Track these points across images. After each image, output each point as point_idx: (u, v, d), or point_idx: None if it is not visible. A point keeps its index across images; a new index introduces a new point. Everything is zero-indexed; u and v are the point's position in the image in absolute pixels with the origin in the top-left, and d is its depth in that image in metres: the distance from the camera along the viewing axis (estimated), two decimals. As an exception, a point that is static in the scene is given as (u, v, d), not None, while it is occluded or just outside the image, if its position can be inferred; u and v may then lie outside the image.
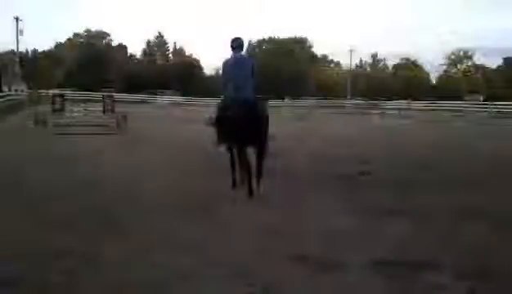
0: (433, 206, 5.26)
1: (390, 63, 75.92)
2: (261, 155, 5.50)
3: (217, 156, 6.66)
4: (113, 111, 15.48)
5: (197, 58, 71.46)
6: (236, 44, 5.81)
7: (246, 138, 5.36)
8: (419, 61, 72.79)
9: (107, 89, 19.12)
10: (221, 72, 6.16)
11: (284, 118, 26.42)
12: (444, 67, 71.24)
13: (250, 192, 5.32)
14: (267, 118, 5.53)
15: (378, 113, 32.45)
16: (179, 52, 71.89)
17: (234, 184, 5.77)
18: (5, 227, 4.16)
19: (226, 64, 5.84)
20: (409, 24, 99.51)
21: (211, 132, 6.03)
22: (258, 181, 5.41)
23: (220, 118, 5.70)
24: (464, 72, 68.33)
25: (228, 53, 5.88)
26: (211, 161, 7.40)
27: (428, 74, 74.24)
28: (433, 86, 70.53)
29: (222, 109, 5.75)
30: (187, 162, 8.21)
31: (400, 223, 4.53)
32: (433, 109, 40.33)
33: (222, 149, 5.94)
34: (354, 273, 3.29)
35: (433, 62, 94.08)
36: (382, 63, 76.73)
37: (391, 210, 5.00)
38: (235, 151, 5.65)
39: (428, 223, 4.60)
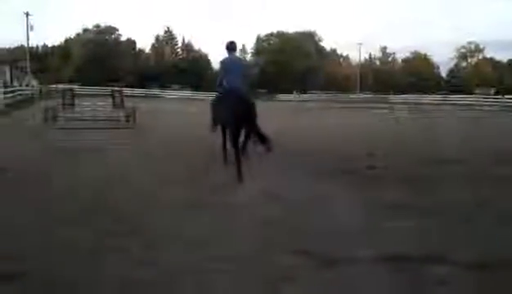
0: (442, 200, 5.23)
1: (400, 57, 75.27)
2: (249, 136, 6.73)
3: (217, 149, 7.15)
4: (122, 106, 15.57)
5: (205, 53, 71.52)
6: (231, 47, 7.08)
7: (236, 120, 6.34)
8: (429, 55, 72.11)
9: (116, 84, 19.22)
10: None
11: (291, 111, 26.44)
12: (454, 61, 70.50)
13: (239, 175, 5.99)
14: (253, 105, 6.56)
15: (386, 108, 32.25)
16: (187, 47, 71.99)
17: (225, 161, 6.86)
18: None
19: (223, 63, 7.07)
20: (419, 17, 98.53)
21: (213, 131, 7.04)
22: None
23: (215, 105, 6.88)
24: (475, 65, 67.57)
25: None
26: (212, 155, 7.54)
27: (438, 68, 73.58)
28: (444, 81, 69.88)
29: (218, 98, 6.94)
30: (191, 155, 8.34)
31: (408, 217, 4.52)
32: (443, 103, 39.95)
33: (216, 129, 6.95)
34: (360, 268, 3.30)
35: (443, 56, 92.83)
36: (391, 57, 76.06)
37: (399, 204, 4.99)
38: (227, 132, 6.69)
39: (437, 218, 4.58)
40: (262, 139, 6.99)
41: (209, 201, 4.99)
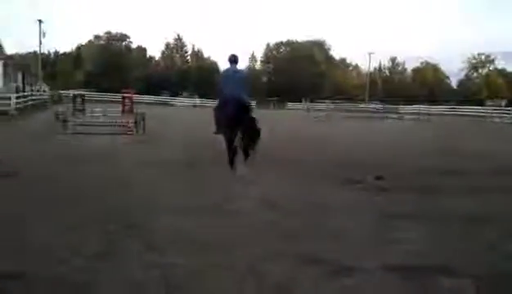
0: (450, 211, 5.18)
1: (409, 66, 75.04)
2: (248, 141, 7.30)
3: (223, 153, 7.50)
4: (132, 111, 15.69)
5: (215, 60, 71.94)
6: (233, 59, 7.69)
7: (235, 125, 7.16)
8: (440, 65, 71.82)
9: (126, 90, 19.40)
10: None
11: (299, 120, 26.48)
12: (465, 71, 70.11)
13: (231, 165, 7.15)
14: (251, 110, 7.63)
15: (396, 118, 32.12)
16: (197, 55, 72.54)
17: (231, 162, 7.31)
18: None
19: (225, 73, 7.98)
20: (429, 28, 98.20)
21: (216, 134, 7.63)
22: (246, 159, 7.36)
23: (217, 111, 7.59)
24: (486, 76, 67.10)
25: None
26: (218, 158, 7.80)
27: (448, 78, 73.21)
28: (454, 91, 69.46)
29: (220, 105, 7.64)
30: (198, 159, 8.62)
31: (415, 228, 4.47)
32: (454, 114, 39.66)
33: (219, 132, 7.54)
34: (366, 278, 3.27)
35: (453, 66, 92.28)
36: (401, 66, 75.85)
37: (407, 214, 4.94)
38: (227, 135, 7.32)
39: (445, 228, 4.53)
40: (249, 145, 7.43)
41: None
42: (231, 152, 7.29)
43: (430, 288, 3.14)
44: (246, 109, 7.46)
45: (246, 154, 7.40)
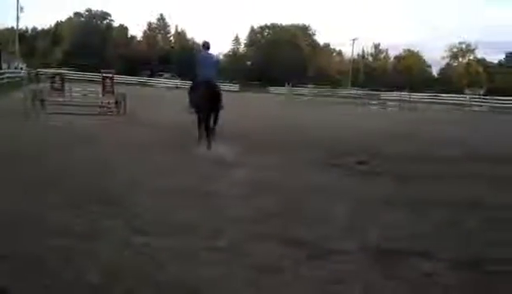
0: (430, 197, 5.27)
1: (392, 54, 75.53)
2: (216, 119, 8.16)
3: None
4: (112, 92, 15.38)
5: (198, 42, 70.87)
6: (206, 45, 8.63)
7: (206, 104, 8.00)
8: (422, 53, 72.47)
9: (106, 70, 18.98)
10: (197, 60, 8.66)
11: (281, 104, 26.49)
12: (446, 60, 70.97)
13: (209, 146, 7.77)
14: (220, 93, 8.31)
15: (377, 104, 32.43)
16: (180, 36, 71.39)
17: (200, 137, 8.10)
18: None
19: (199, 57, 8.70)
20: (413, 15, 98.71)
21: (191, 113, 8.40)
22: (213, 137, 8.02)
23: (191, 92, 8.51)
24: (466, 65, 68.12)
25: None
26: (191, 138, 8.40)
27: (429, 67, 74.04)
28: (435, 79, 70.36)
29: (194, 86, 8.60)
30: (174, 139, 8.93)
31: (395, 213, 4.55)
32: (433, 102, 40.20)
33: (192, 111, 8.34)
34: (347, 260, 3.32)
35: (435, 55, 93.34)
36: (384, 53, 76.29)
37: (387, 200, 5.02)
38: (200, 114, 8.15)
39: (425, 213, 4.62)
40: (214, 123, 8.23)
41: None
42: (202, 130, 8.09)
43: (407, 271, 3.22)
44: (218, 91, 8.27)
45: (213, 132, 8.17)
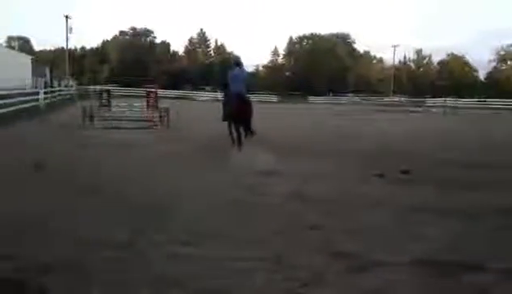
0: (477, 205, 5.06)
1: (436, 59, 73.25)
2: (247, 127, 9.22)
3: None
4: (156, 106, 15.88)
5: (237, 55, 71.88)
6: (237, 62, 9.97)
7: (238, 116, 9.15)
8: (467, 57, 69.80)
9: (150, 85, 19.73)
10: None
11: (321, 114, 26.29)
12: (493, 63, 67.99)
13: (239, 146, 8.96)
14: (251, 105, 9.47)
15: (421, 111, 31.48)
16: (220, 49, 72.70)
17: (233, 142, 9.20)
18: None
19: (230, 74, 9.64)
20: (454, 19, 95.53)
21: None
22: (250, 135, 9.19)
23: (225, 104, 9.69)
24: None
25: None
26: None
27: (476, 71, 71.14)
28: (482, 83, 67.55)
29: (227, 99, 9.69)
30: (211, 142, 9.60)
31: (442, 222, 4.40)
32: (482, 107, 38.55)
33: (225, 121, 9.41)
34: (394, 272, 3.24)
35: (481, 59, 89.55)
36: (427, 59, 74.11)
37: (434, 209, 4.86)
38: (232, 123, 9.27)
39: (472, 222, 4.44)
40: (250, 131, 9.35)
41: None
42: (234, 136, 9.26)
43: (457, 283, 3.10)
44: (248, 102, 9.41)
45: (244, 136, 9.23)
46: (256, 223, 4.31)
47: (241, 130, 9.19)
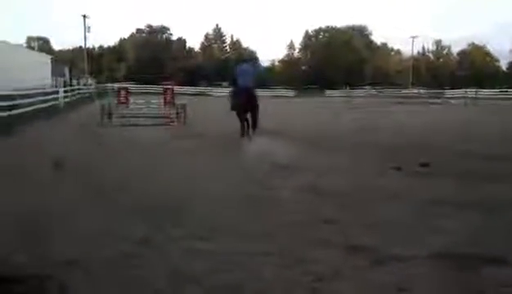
0: (498, 198, 4.95)
1: (455, 50, 71.64)
2: (254, 119, 9.99)
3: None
4: (173, 103, 16.00)
5: (253, 50, 71.78)
6: (245, 60, 11.97)
7: (245, 108, 9.95)
8: (488, 47, 68.06)
9: (167, 82, 19.89)
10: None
11: (338, 107, 26.08)
12: (514, 54, 66.14)
13: (246, 135, 9.85)
14: (256, 97, 10.20)
15: (441, 103, 30.96)
16: (236, 45, 72.65)
17: (242, 134, 9.98)
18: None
19: (238, 69, 10.56)
20: (472, 8, 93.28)
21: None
22: (254, 131, 9.91)
23: (232, 96, 10.44)
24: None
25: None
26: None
27: (498, 61, 69.34)
28: (504, 74, 65.89)
29: (234, 91, 10.47)
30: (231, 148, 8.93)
31: (462, 216, 4.32)
32: (505, 98, 37.61)
33: (234, 112, 10.20)
34: (412, 266, 3.19)
35: (502, 48, 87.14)
36: (446, 50, 72.57)
37: (453, 202, 4.78)
38: (241, 114, 10.06)
39: (492, 215, 4.34)
40: (254, 124, 10.01)
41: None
42: (243, 127, 10.03)
43: (477, 277, 3.04)
44: (254, 97, 10.13)
45: (254, 128, 9.97)
46: (269, 217, 4.30)
47: (247, 122, 9.97)
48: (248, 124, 10.01)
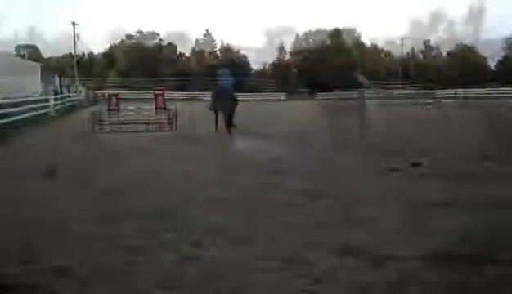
0: (490, 198, 4.97)
1: (444, 50, 72.28)
2: (230, 116, 12.30)
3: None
4: (164, 108, 15.91)
5: (244, 54, 71.92)
6: (225, 66, 15.35)
7: (224, 107, 12.23)
8: (476, 47, 68.70)
9: (159, 87, 19.82)
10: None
11: (330, 110, 26.13)
12: (503, 53, 66.97)
13: (229, 131, 12.13)
14: (236, 99, 12.77)
15: (430, 104, 31.20)
16: (226, 49, 72.71)
17: (216, 130, 12.23)
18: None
19: (219, 73, 13.57)
20: (460, 9, 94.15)
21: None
22: (232, 127, 12.20)
23: (214, 97, 12.80)
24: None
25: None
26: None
27: (486, 60, 70.00)
28: (493, 72, 66.63)
29: (215, 92, 12.99)
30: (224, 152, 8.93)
31: (455, 216, 4.33)
32: (494, 97, 37.96)
33: (212, 110, 12.59)
34: (408, 267, 3.19)
35: (491, 48, 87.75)
36: (435, 50, 73.19)
37: (445, 202, 4.79)
38: (218, 113, 12.48)
39: (486, 216, 4.36)
40: (230, 123, 12.25)
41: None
42: (218, 122, 12.37)
43: (475, 277, 3.04)
44: (233, 97, 12.56)
45: (231, 125, 12.26)
46: (264, 219, 4.29)
47: (220, 119, 12.13)
48: (218, 121, 12.18)
